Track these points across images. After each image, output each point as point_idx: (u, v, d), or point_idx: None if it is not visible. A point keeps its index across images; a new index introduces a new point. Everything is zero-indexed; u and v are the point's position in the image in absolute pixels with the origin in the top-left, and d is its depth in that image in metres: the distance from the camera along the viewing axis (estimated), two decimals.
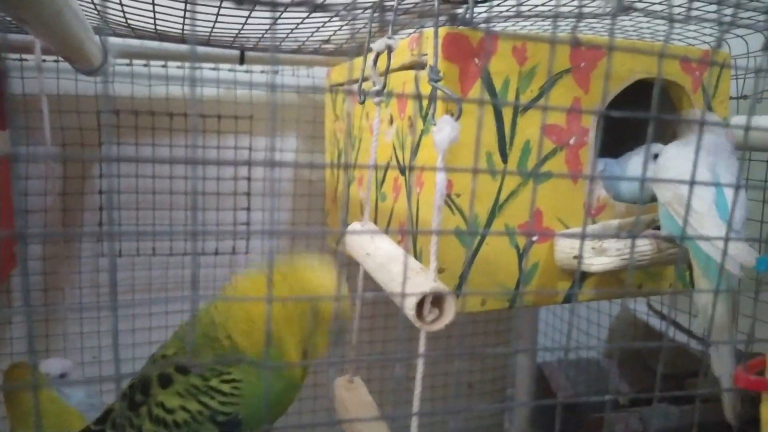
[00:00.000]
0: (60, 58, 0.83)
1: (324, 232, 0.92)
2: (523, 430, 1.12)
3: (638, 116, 0.28)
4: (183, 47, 0.81)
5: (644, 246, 0.58)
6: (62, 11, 0.42)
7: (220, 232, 0.92)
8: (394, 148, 0.69)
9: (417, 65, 0.62)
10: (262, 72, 0.93)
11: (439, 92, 0.48)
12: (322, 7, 0.22)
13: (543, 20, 0.68)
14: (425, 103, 0.61)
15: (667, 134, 0.70)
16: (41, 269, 0.88)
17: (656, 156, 0.63)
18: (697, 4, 0.51)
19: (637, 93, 0.63)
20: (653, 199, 0.61)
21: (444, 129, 0.36)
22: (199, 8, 0.55)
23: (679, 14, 0.27)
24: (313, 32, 0.69)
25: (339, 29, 0.67)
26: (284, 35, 0.68)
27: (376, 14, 0.47)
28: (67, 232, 0.88)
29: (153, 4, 0.50)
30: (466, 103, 0.53)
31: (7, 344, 0.89)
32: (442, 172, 0.37)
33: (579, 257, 0.59)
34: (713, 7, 0.52)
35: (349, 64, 0.82)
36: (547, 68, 0.61)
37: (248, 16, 0.57)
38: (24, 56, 0.84)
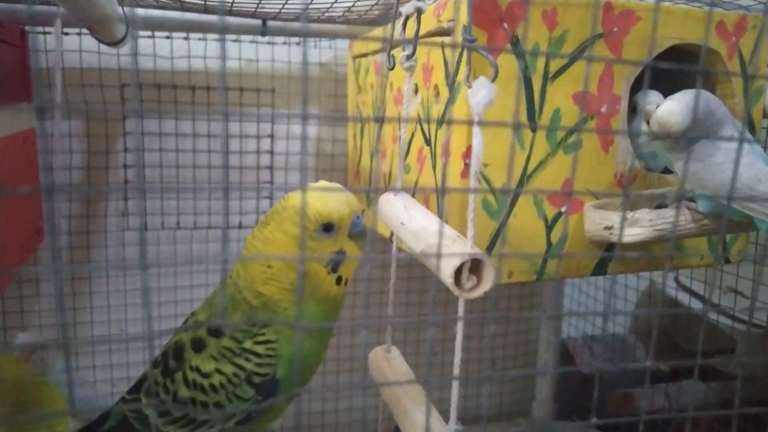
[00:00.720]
0: (83, 31, 0.83)
1: (361, 190, 0.92)
2: (549, 405, 1.12)
3: (685, 68, 0.27)
4: (205, 18, 0.81)
5: (679, 217, 0.57)
6: None
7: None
8: (420, 119, 0.68)
9: (444, 32, 0.60)
10: (284, 44, 0.92)
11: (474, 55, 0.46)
12: None
13: None
14: (451, 70, 0.59)
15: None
16: (67, 243, 0.89)
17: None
18: None
19: (671, 59, 0.61)
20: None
21: (480, 92, 0.35)
22: None
23: None
24: (330, 6, 0.68)
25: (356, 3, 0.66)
26: (308, 2, 0.67)
27: None
28: (93, 189, 0.88)
29: None
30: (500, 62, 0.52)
31: (36, 316, 0.91)
32: (478, 137, 0.36)
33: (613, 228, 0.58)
34: None
35: (376, 34, 0.81)
36: (578, 34, 0.59)
37: None
38: (46, 29, 0.84)
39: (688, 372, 1.03)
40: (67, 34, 0.83)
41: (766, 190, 0.50)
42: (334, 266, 0.54)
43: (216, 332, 0.53)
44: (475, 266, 0.38)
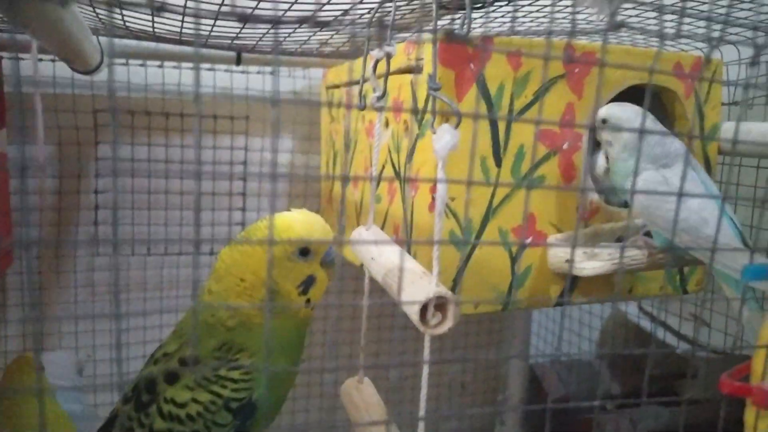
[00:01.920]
0: (56, 58, 0.84)
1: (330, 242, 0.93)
2: (516, 430, 1.13)
3: (630, 131, 0.29)
4: (179, 48, 0.82)
5: (635, 251, 0.59)
6: (63, 18, 0.42)
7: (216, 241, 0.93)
8: (390, 151, 0.70)
9: (413, 69, 0.62)
10: (258, 73, 0.93)
11: (438, 101, 0.48)
12: (324, 24, 0.22)
13: (538, 26, 0.68)
14: (421, 107, 0.61)
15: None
16: (36, 267, 0.89)
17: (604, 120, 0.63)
18: (687, 20, 0.52)
19: (631, 97, 0.64)
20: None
21: (443, 137, 0.36)
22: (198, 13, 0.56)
23: (670, 27, 0.28)
24: (310, 36, 0.69)
25: (336, 33, 0.68)
26: (282, 39, 0.68)
27: (373, 26, 0.47)
28: (63, 241, 0.88)
29: (152, 8, 0.51)
30: (464, 113, 0.54)
31: (1, 341, 0.90)
32: (443, 176, 0.38)
33: (570, 261, 0.60)
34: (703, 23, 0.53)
35: (348, 68, 0.83)
36: (541, 74, 0.61)
37: (244, 24, 0.57)
38: (21, 55, 0.84)
39: (651, 396, 1.05)
40: (41, 60, 0.83)
41: (711, 234, 0.51)
42: (305, 288, 0.56)
43: (190, 362, 0.54)
44: (439, 303, 0.39)
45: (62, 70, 0.83)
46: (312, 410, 1.04)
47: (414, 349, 1.05)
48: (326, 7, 0.49)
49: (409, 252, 0.64)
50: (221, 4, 0.42)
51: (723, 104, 0.75)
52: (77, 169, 0.88)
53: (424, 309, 0.40)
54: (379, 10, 0.53)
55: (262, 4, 0.46)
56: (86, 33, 0.57)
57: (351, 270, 1.03)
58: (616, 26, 0.26)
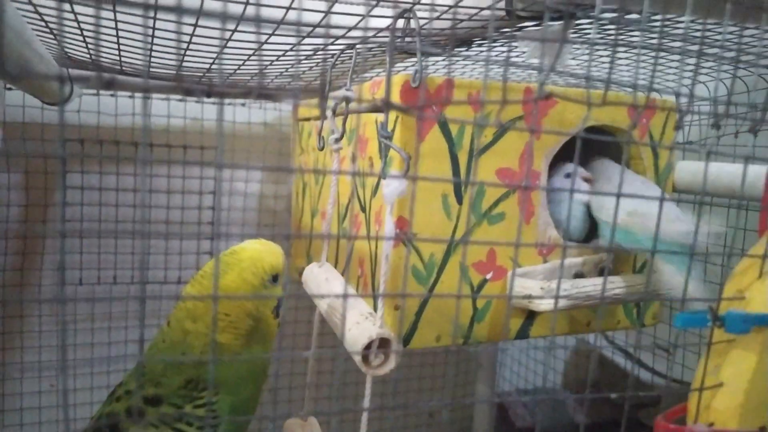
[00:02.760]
0: None
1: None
2: None
3: (609, 139, 0.30)
4: (152, 82, 0.83)
5: (588, 287, 0.61)
6: (31, 61, 0.43)
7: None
8: (356, 186, 0.71)
9: (377, 109, 0.64)
10: (229, 104, 0.94)
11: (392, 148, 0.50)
12: (270, 97, 0.24)
13: (498, 66, 0.71)
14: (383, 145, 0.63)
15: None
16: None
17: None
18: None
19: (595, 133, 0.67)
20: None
21: (391, 184, 0.38)
22: (165, 46, 0.57)
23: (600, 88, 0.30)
24: (279, 74, 0.71)
25: (302, 74, 0.69)
26: (251, 76, 0.70)
27: (334, 67, 0.49)
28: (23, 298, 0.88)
29: (118, 45, 0.52)
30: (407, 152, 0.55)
31: None
32: (390, 223, 0.39)
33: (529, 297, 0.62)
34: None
35: (317, 102, 0.84)
36: (500, 113, 0.64)
37: (214, 60, 0.59)
38: None
39: (617, 425, 1.07)
40: (10, 89, 0.84)
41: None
42: (277, 311, 0.60)
43: (153, 401, 0.54)
44: (383, 343, 0.40)
45: (32, 99, 0.84)
46: None
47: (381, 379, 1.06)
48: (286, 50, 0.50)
49: (373, 285, 0.65)
50: (182, 58, 0.43)
51: (678, 144, 0.78)
52: (43, 198, 0.88)
53: (368, 348, 0.41)
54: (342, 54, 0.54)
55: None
56: (51, 67, 0.58)
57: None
58: (544, 96, 0.28)
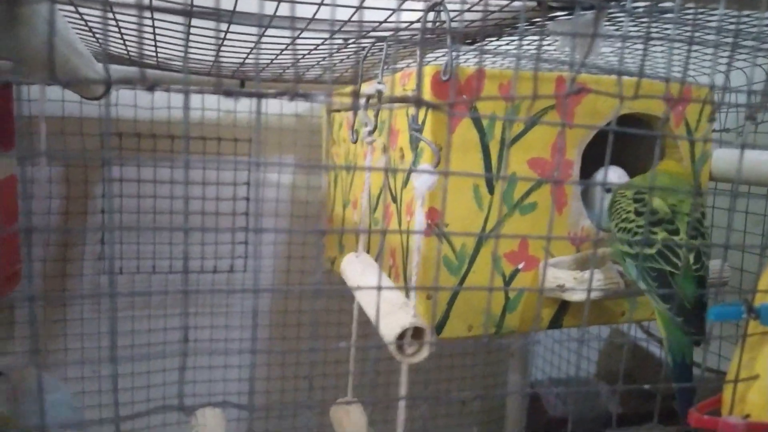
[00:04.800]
0: None
1: (315, 289, 0.95)
2: None
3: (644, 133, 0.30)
4: (184, 76, 0.84)
5: (616, 278, 0.61)
6: (78, 67, 0.44)
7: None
8: (387, 177, 0.71)
9: (408, 100, 0.64)
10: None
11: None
12: (304, 96, 0.24)
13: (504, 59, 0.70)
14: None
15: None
16: (42, 285, 0.91)
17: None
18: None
19: (622, 123, 0.66)
20: None
21: (422, 176, 0.38)
22: (201, 43, 0.58)
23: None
24: (311, 66, 0.72)
25: (334, 66, 0.70)
26: (284, 69, 0.71)
27: (365, 60, 0.49)
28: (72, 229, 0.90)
29: (155, 41, 0.53)
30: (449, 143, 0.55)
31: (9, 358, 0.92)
32: (421, 215, 0.39)
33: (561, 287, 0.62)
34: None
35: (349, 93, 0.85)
36: (531, 104, 0.63)
37: (249, 53, 0.59)
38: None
39: (651, 416, 1.06)
40: (50, 84, 0.86)
41: None
42: None
43: None
44: (417, 332, 0.41)
45: (71, 94, 0.86)
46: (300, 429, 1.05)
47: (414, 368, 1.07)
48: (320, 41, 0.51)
49: (404, 277, 0.66)
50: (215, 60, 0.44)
51: (714, 131, 0.76)
52: (84, 190, 0.90)
53: (402, 338, 0.42)
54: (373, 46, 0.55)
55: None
56: (91, 64, 0.59)
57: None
58: (575, 91, 0.28)
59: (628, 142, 0.74)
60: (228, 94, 0.24)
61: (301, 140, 0.99)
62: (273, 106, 0.96)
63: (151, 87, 0.24)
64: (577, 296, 0.61)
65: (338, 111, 0.89)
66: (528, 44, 0.65)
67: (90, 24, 0.51)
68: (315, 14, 0.31)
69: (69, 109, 0.88)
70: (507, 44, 0.62)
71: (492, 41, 0.60)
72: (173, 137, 0.92)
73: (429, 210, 0.62)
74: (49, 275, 0.91)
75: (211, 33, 0.48)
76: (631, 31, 0.42)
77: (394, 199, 0.71)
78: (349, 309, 0.96)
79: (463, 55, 0.68)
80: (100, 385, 0.94)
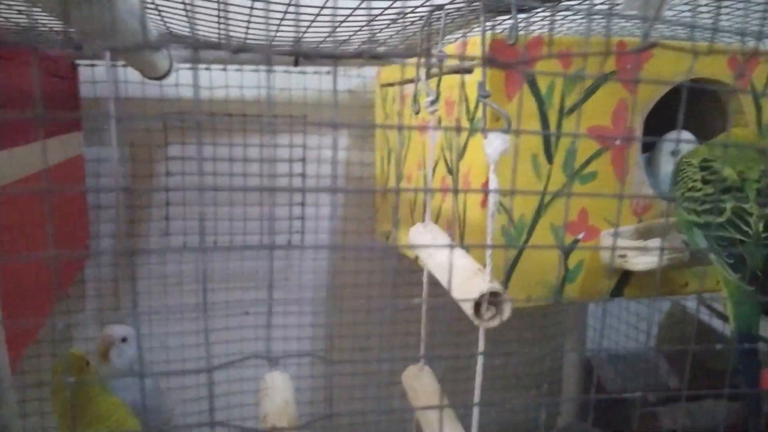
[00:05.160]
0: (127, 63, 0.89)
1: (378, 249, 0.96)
2: (570, 421, 1.14)
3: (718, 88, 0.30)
4: (242, 55, 0.86)
5: (681, 247, 0.60)
6: (139, 35, 0.46)
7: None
8: (443, 149, 0.72)
9: (465, 70, 0.64)
10: (315, 73, 0.96)
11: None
12: (377, 56, 0.25)
13: (571, 23, 0.69)
14: (472, 107, 0.63)
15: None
16: (112, 261, 0.96)
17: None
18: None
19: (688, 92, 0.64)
20: None
21: (494, 142, 0.38)
22: (260, 22, 0.59)
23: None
24: (366, 39, 0.72)
25: (390, 38, 0.70)
26: (338, 44, 0.71)
27: (425, 29, 0.49)
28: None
29: (219, 17, 0.55)
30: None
31: (81, 329, 0.97)
32: (494, 183, 0.40)
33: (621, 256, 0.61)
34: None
35: (401, 67, 0.85)
36: (592, 71, 0.62)
37: (305, 31, 0.60)
38: (95, 62, 0.91)
39: (710, 391, 1.04)
40: (114, 65, 0.89)
41: None
42: None
43: None
44: (493, 297, 0.41)
45: (133, 75, 0.89)
46: (370, 398, 1.07)
47: (472, 340, 1.07)
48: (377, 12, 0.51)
49: (462, 247, 0.66)
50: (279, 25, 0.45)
51: None
52: (149, 168, 0.94)
53: (478, 304, 0.42)
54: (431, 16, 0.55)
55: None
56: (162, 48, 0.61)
57: (406, 264, 1.06)
58: (648, 45, 0.28)
59: (691, 110, 0.72)
60: (308, 56, 0.24)
61: (354, 116, 1.00)
62: (326, 83, 0.97)
63: (237, 51, 0.25)
64: (641, 266, 0.61)
65: (390, 85, 0.89)
66: (600, 3, 0.63)
67: (156, 1, 0.53)
68: None
69: (132, 90, 0.91)
70: (578, 4, 0.60)
71: (556, 5, 0.59)
72: (231, 115, 0.94)
73: (486, 180, 0.62)
74: (118, 252, 0.96)
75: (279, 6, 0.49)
76: None
77: (450, 171, 0.71)
78: (409, 282, 0.97)
79: (520, 23, 0.67)
80: (167, 355, 0.99)
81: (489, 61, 0.28)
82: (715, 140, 0.64)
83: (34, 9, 0.55)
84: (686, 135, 0.67)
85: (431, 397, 0.61)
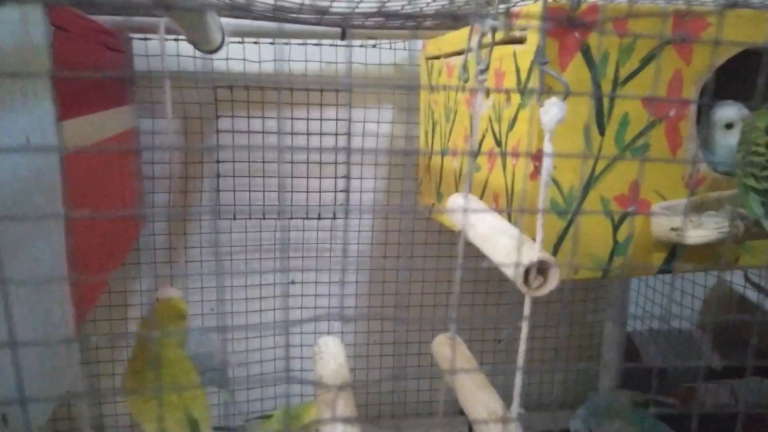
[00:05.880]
0: (179, 37, 0.91)
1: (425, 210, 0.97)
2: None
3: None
4: (290, 26, 0.87)
5: (735, 221, 0.59)
6: (206, 17, 0.47)
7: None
8: (491, 121, 0.72)
9: (516, 40, 0.64)
10: (361, 46, 0.97)
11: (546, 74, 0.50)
12: (451, 17, 0.25)
13: None
14: (523, 77, 0.63)
15: None
16: (165, 230, 0.99)
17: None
18: None
19: (744, 61, 0.63)
20: None
21: (551, 110, 0.39)
22: None
23: None
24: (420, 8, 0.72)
25: (441, 8, 0.70)
26: (387, 17, 0.72)
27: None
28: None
29: None
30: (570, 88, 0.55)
31: (137, 296, 1.01)
32: (549, 151, 0.40)
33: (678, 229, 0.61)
34: None
35: (449, 38, 0.85)
36: (648, 41, 0.61)
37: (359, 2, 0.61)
38: (148, 36, 0.93)
39: (757, 369, 1.03)
40: (166, 40, 0.91)
41: None
42: None
43: None
44: (542, 267, 0.42)
45: (185, 49, 0.91)
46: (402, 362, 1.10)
47: (509, 316, 1.08)
48: None
49: (509, 219, 0.67)
50: None
51: None
52: (200, 140, 0.96)
53: (526, 273, 0.43)
54: None
55: None
56: (215, 18, 0.63)
57: (448, 236, 1.07)
58: (730, 4, 0.28)
59: (747, 79, 0.71)
60: (389, 16, 0.25)
61: (399, 89, 1.01)
62: (372, 56, 0.98)
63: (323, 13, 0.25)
64: (695, 239, 0.60)
65: (436, 58, 0.89)
66: None
67: None
68: None
69: (183, 64, 0.93)
70: None
71: None
72: (280, 89, 0.96)
73: (537, 151, 0.63)
74: (171, 220, 0.99)
75: None
76: None
77: (498, 144, 0.71)
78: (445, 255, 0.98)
79: None
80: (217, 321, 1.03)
81: (569, 20, 0.28)
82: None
83: None
84: (735, 107, 0.66)
85: (466, 363, 0.62)
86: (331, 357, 0.57)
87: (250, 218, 1.00)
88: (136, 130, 0.95)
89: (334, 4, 0.66)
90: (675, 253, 0.67)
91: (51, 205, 0.43)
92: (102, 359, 1.01)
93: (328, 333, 1.00)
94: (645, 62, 0.62)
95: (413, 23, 0.89)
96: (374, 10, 0.63)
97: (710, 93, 0.63)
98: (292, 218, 1.00)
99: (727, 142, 0.66)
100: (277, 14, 0.72)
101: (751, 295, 1.05)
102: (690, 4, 0.77)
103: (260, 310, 1.02)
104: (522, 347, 0.45)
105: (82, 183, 0.64)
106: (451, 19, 0.76)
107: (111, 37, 0.86)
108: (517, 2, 0.73)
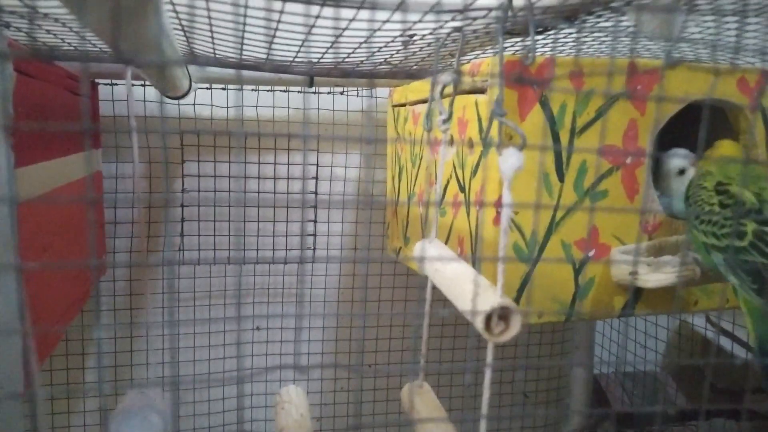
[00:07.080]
0: (146, 82, 0.92)
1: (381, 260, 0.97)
2: None
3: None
4: (259, 74, 0.88)
5: (692, 265, 0.61)
6: (170, 69, 0.48)
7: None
8: (454, 167, 0.73)
9: (478, 90, 0.66)
10: (329, 93, 0.99)
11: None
12: (413, 76, 0.26)
13: (600, 44, 0.70)
14: (485, 126, 0.65)
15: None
16: (127, 276, 0.97)
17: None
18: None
19: (695, 112, 0.65)
20: None
21: (509, 159, 0.40)
22: (282, 44, 0.61)
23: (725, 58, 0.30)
24: (380, 63, 0.74)
25: (404, 60, 0.72)
26: (356, 64, 0.73)
27: (441, 49, 0.51)
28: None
29: (242, 39, 0.56)
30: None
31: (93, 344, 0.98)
32: (509, 199, 0.41)
33: (634, 273, 0.62)
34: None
35: (414, 87, 0.87)
36: (603, 92, 0.64)
37: (321, 57, 0.62)
38: (114, 81, 0.93)
39: (720, 410, 1.04)
40: (133, 85, 0.91)
41: None
42: None
43: None
44: (504, 313, 0.42)
45: (152, 94, 0.91)
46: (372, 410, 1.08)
47: (475, 358, 1.08)
48: (392, 32, 0.53)
49: (474, 265, 0.67)
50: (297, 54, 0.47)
51: None
52: (165, 185, 0.96)
53: (488, 318, 0.43)
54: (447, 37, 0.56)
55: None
56: (182, 66, 0.63)
57: (415, 280, 1.07)
58: (673, 63, 0.29)
59: (697, 129, 0.74)
60: (347, 75, 0.26)
61: (366, 135, 1.02)
62: (340, 103, 0.99)
63: (276, 71, 0.26)
64: (652, 283, 0.62)
65: (402, 105, 0.91)
66: (627, 25, 0.65)
67: (183, 22, 0.55)
68: (399, 5, 0.32)
69: (150, 108, 0.94)
70: (578, 31, 0.62)
71: (562, 30, 0.61)
72: (246, 135, 0.96)
73: (499, 197, 0.64)
74: (132, 265, 0.97)
75: (298, 27, 0.50)
76: (725, 10, 0.42)
77: (462, 189, 0.72)
78: (413, 299, 0.98)
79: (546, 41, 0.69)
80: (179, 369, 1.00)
81: (520, 79, 0.30)
82: (718, 157, 0.65)
83: (77, 30, 0.57)
84: (683, 155, 0.69)
85: (433, 412, 0.61)
86: (293, 407, 0.56)
87: (215, 263, 0.98)
88: (100, 173, 0.94)
89: (295, 60, 0.67)
90: (636, 296, 0.68)
91: (3, 255, 0.42)
92: (57, 411, 0.97)
93: (294, 381, 0.99)
94: (601, 113, 0.64)
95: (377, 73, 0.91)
96: (331, 66, 0.65)
97: (655, 145, 0.66)
98: (258, 263, 0.99)
99: (683, 187, 0.68)
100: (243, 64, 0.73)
101: (714, 336, 1.07)
102: (639, 56, 0.81)
103: (224, 358, 1.00)
104: (486, 394, 0.45)
105: (38, 230, 0.63)
106: (407, 77, 0.78)
107: (76, 81, 0.86)
108: (479, 54, 0.75)
